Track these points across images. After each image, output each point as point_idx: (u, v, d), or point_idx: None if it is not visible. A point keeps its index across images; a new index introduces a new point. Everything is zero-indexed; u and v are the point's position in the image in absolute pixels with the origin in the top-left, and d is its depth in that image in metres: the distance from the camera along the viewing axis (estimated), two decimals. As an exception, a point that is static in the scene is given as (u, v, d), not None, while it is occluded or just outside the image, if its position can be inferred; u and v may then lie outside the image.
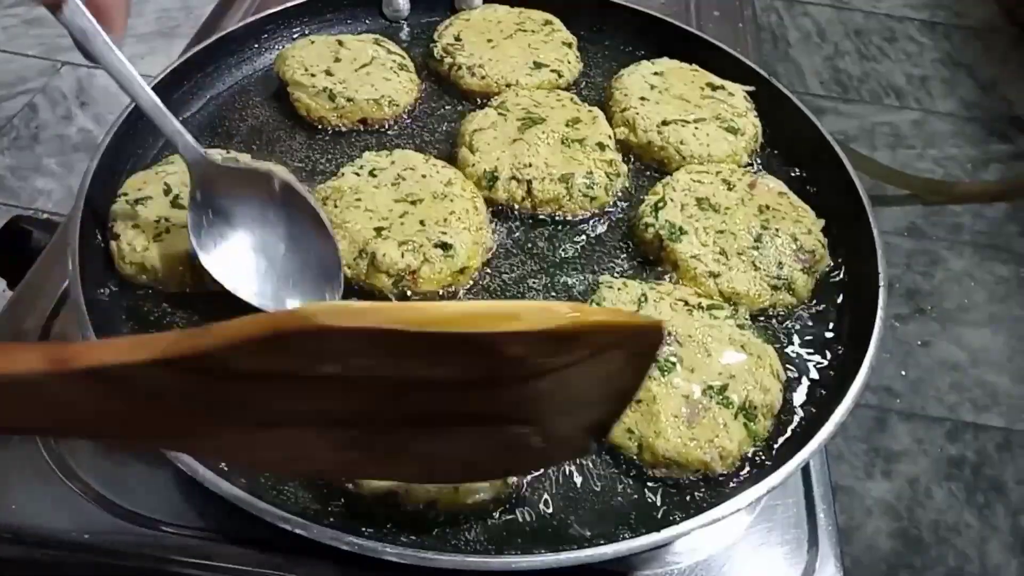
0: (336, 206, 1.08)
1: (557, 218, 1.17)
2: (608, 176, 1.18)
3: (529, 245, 1.13)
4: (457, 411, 0.62)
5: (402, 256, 1.02)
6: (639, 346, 0.64)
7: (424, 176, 1.13)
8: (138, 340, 0.52)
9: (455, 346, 0.52)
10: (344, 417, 0.61)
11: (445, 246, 1.03)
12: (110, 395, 0.54)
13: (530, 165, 1.17)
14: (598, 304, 0.99)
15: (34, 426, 0.68)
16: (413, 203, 1.09)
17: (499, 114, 1.25)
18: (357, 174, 1.13)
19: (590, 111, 1.28)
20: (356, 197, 1.09)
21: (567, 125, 1.24)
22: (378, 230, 1.04)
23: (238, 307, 1.02)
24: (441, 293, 1.05)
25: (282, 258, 0.96)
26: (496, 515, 0.84)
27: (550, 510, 0.85)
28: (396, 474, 0.76)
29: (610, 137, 1.25)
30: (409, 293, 1.02)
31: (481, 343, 0.52)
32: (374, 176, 1.13)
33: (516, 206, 1.16)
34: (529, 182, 1.15)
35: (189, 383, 0.54)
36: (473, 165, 1.18)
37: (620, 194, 1.21)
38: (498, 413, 0.64)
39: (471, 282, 1.07)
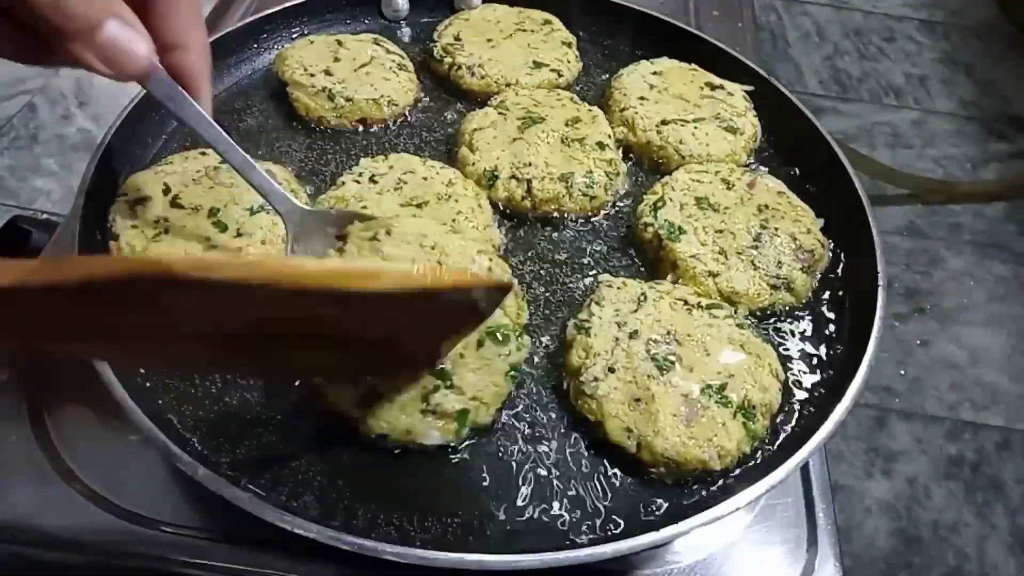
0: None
1: (557, 217, 1.17)
2: (608, 175, 1.19)
3: (530, 244, 1.14)
4: (318, 334, 0.68)
5: (413, 261, 1.01)
6: (490, 298, 0.78)
7: (425, 178, 1.13)
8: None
9: (317, 298, 0.57)
10: (210, 334, 0.65)
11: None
12: None
13: (530, 164, 1.17)
14: (598, 304, 0.99)
15: None
16: (419, 206, 1.08)
17: (499, 113, 1.25)
18: (357, 181, 1.12)
19: (590, 110, 1.28)
20: (362, 205, 1.08)
21: (567, 124, 1.24)
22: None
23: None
24: None
25: None
26: (496, 514, 0.84)
27: (549, 509, 0.85)
28: (264, 374, 0.83)
29: (610, 136, 1.25)
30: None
31: (341, 297, 0.58)
32: (375, 182, 1.12)
33: (516, 205, 1.17)
34: (529, 181, 1.16)
35: (53, 304, 0.56)
36: (473, 164, 1.18)
37: (619, 193, 1.22)
38: (357, 340, 0.72)
39: None
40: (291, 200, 0.96)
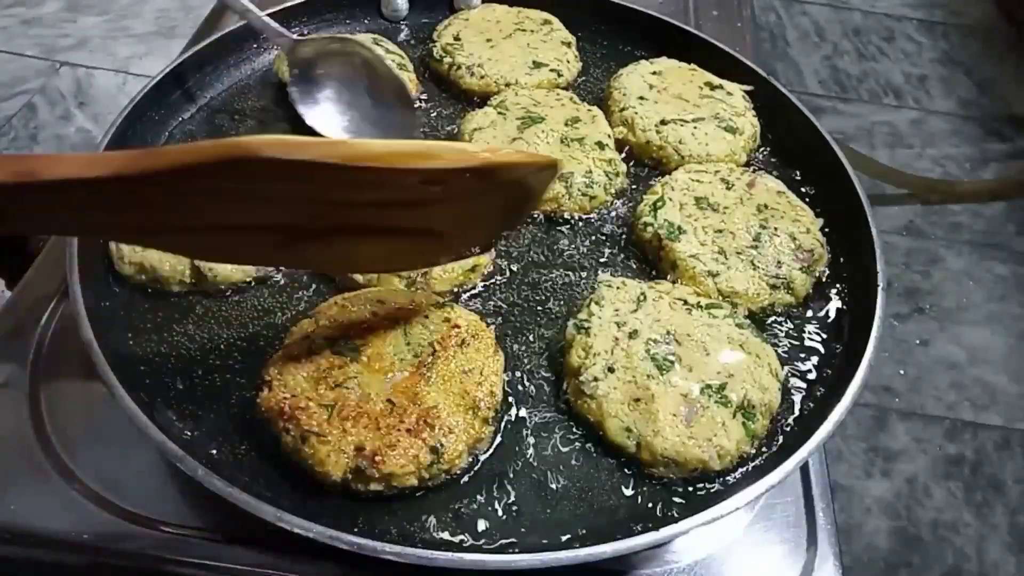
0: None
1: (556, 216, 1.17)
2: (607, 175, 1.19)
3: (529, 244, 1.14)
4: (379, 225, 0.76)
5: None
6: (539, 179, 0.85)
7: None
8: (94, 158, 0.59)
9: (382, 177, 0.64)
10: (282, 224, 0.72)
11: None
12: (74, 200, 0.62)
13: None
14: (597, 304, 0.99)
15: (18, 227, 0.76)
16: None
17: (498, 113, 1.25)
18: None
19: (589, 110, 1.29)
20: None
21: (566, 124, 1.24)
22: None
23: (229, 313, 1.02)
24: (454, 291, 1.05)
25: (369, 109, 1.16)
26: (496, 513, 0.84)
27: (549, 509, 0.85)
28: (322, 267, 0.91)
29: (609, 136, 1.25)
30: (421, 292, 1.02)
31: (404, 176, 0.65)
32: None
33: None
34: None
35: (142, 194, 0.61)
36: None
37: (619, 193, 1.22)
38: (413, 227, 0.79)
39: (480, 280, 1.07)
40: (285, 33, 1.15)
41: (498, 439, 0.90)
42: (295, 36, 1.15)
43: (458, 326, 0.93)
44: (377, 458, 0.80)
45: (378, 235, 0.80)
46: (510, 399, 0.94)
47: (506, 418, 0.92)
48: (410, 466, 0.81)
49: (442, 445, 0.83)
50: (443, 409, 0.86)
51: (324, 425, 0.83)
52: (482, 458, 0.88)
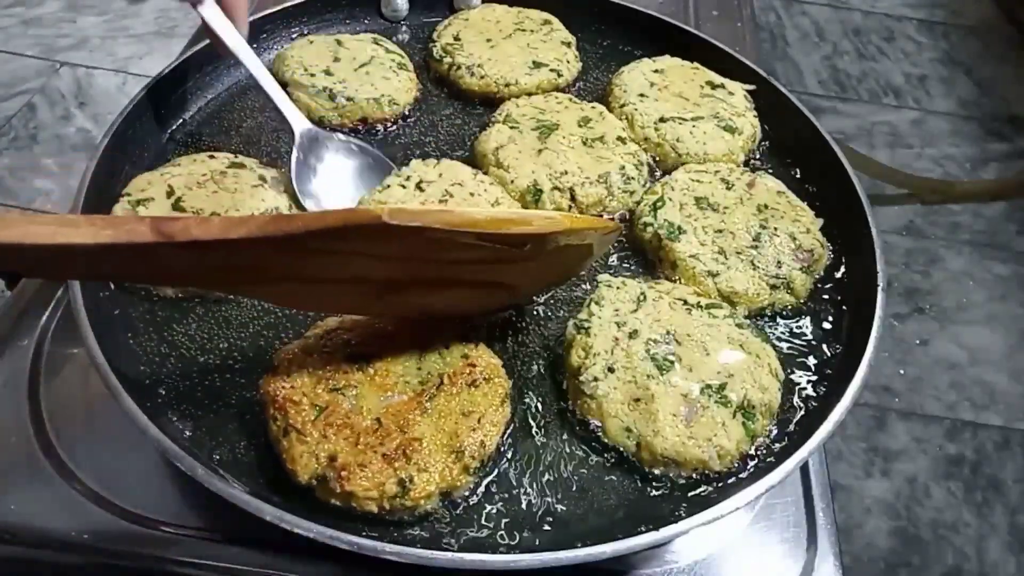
0: None
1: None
2: (637, 168, 1.19)
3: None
4: (459, 279, 0.84)
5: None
6: (603, 241, 0.96)
7: (472, 194, 1.10)
8: (231, 220, 0.67)
9: (481, 240, 0.72)
10: (378, 279, 0.80)
11: None
12: (202, 259, 0.70)
13: (565, 172, 1.16)
14: (597, 304, 0.99)
15: (143, 278, 0.91)
16: None
17: (511, 128, 1.23)
18: (403, 186, 1.11)
19: (593, 107, 1.29)
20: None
21: (580, 125, 1.24)
22: None
23: (230, 314, 1.02)
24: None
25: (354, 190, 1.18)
26: (496, 513, 0.84)
27: (549, 509, 0.85)
28: (391, 312, 0.95)
29: (624, 129, 1.25)
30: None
31: (503, 239, 0.73)
32: (421, 189, 1.10)
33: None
34: (571, 189, 1.15)
35: (268, 253, 0.70)
36: (512, 183, 1.15)
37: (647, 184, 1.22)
38: (488, 280, 0.87)
39: None
40: (302, 119, 1.18)
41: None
42: (308, 126, 1.18)
43: (474, 365, 0.90)
44: (344, 473, 0.79)
45: (455, 287, 0.86)
46: (511, 397, 0.94)
47: (507, 417, 0.92)
48: (373, 491, 0.79)
49: (411, 480, 0.80)
50: (426, 444, 0.82)
51: (308, 425, 0.82)
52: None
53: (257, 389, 0.87)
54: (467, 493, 0.85)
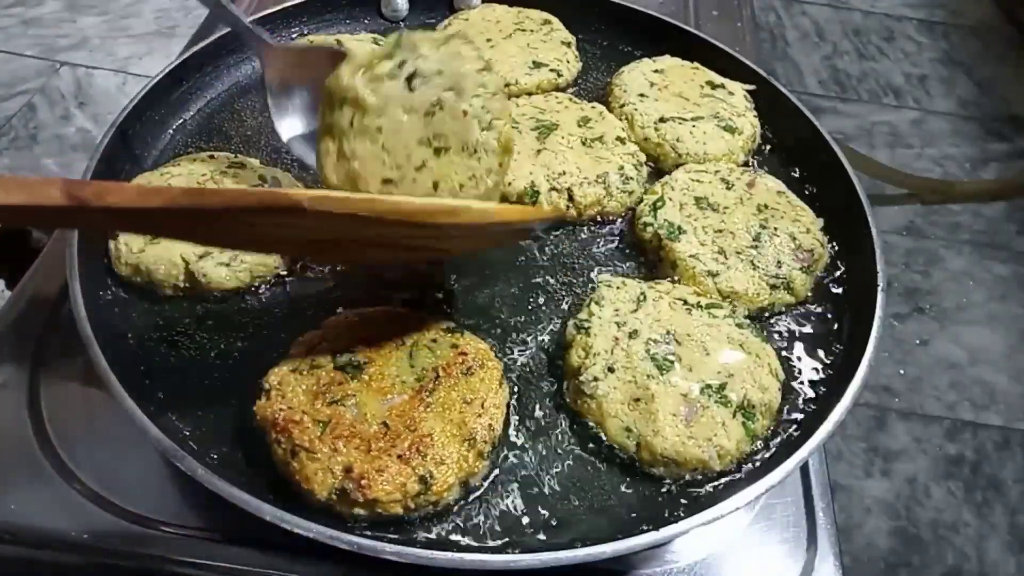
0: (352, 125, 0.85)
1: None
2: (636, 168, 1.19)
3: (529, 245, 1.13)
4: (401, 244, 0.86)
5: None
6: (544, 224, 1.05)
7: (465, 113, 0.89)
8: (147, 190, 0.69)
9: (411, 226, 0.73)
10: (312, 241, 0.83)
11: None
12: (121, 223, 0.75)
13: (564, 173, 1.16)
14: (597, 304, 0.99)
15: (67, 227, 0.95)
16: (437, 152, 0.88)
17: (511, 128, 1.23)
18: (393, 76, 0.86)
19: (593, 107, 1.29)
20: (377, 124, 0.86)
21: (579, 125, 1.24)
22: (386, 182, 0.86)
23: (230, 314, 1.02)
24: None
25: None
26: (496, 513, 0.84)
27: (549, 509, 0.85)
28: (346, 261, 1.03)
29: (623, 129, 1.25)
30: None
31: (431, 227, 0.75)
32: (411, 89, 0.87)
33: (561, 216, 1.15)
34: (569, 190, 1.15)
35: (190, 222, 0.71)
36: (509, 184, 1.15)
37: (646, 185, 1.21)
38: (427, 247, 0.92)
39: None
40: (264, 38, 1.09)
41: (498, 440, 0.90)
42: (272, 42, 1.11)
43: (465, 353, 0.91)
44: (363, 482, 0.78)
45: (396, 250, 0.91)
46: (512, 389, 0.94)
47: (506, 398, 0.92)
48: (396, 493, 0.79)
49: (432, 475, 0.81)
50: (438, 438, 0.83)
51: (315, 442, 0.81)
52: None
53: (252, 417, 0.86)
54: (483, 479, 0.86)
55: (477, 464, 0.84)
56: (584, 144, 1.21)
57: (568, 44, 1.45)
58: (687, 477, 0.88)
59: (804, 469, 0.99)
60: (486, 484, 0.86)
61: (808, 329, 1.06)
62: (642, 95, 1.31)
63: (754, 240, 1.09)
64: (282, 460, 0.83)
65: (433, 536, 0.82)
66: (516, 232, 0.99)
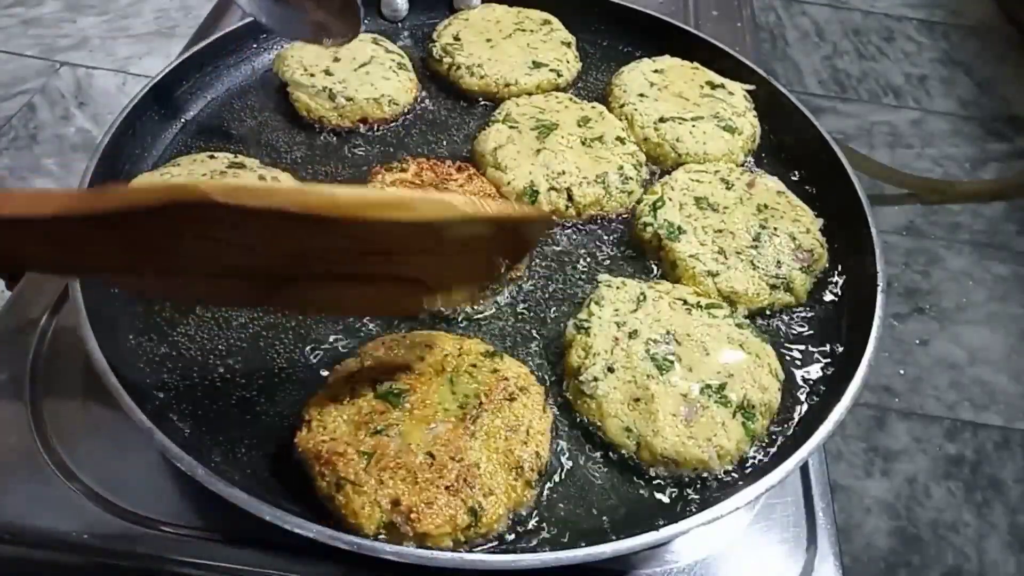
0: None
1: (558, 219, 1.17)
2: (635, 168, 1.19)
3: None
4: (356, 272, 0.70)
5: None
6: (531, 231, 0.77)
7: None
8: (36, 195, 0.55)
9: (349, 226, 0.57)
10: (258, 270, 0.67)
11: None
12: (20, 238, 0.58)
13: (563, 172, 1.16)
14: (597, 304, 0.99)
15: None
16: None
17: (511, 127, 1.23)
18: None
19: (593, 107, 1.29)
20: None
21: (579, 125, 1.24)
22: None
23: (234, 311, 1.02)
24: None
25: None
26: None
27: (549, 509, 0.85)
28: (305, 311, 0.86)
29: (624, 129, 1.25)
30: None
31: (373, 226, 0.58)
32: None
33: (561, 216, 1.15)
34: (568, 189, 1.15)
35: (91, 233, 0.57)
36: (509, 183, 1.15)
37: (643, 185, 1.21)
38: (394, 275, 0.72)
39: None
40: None
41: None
42: None
43: (506, 378, 0.89)
44: (413, 515, 0.76)
45: (358, 282, 0.76)
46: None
47: (551, 422, 0.90)
48: (446, 527, 0.77)
49: (481, 507, 0.78)
50: (485, 467, 0.81)
51: (361, 474, 0.78)
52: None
53: (295, 447, 0.83)
54: (530, 509, 0.84)
55: (526, 493, 0.82)
56: (584, 144, 1.21)
57: (568, 44, 1.45)
58: (687, 477, 0.88)
59: (804, 469, 0.99)
60: (535, 517, 0.83)
61: (808, 329, 1.06)
62: (642, 95, 1.31)
63: (754, 240, 1.09)
64: (326, 495, 0.79)
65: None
66: (509, 244, 0.81)
